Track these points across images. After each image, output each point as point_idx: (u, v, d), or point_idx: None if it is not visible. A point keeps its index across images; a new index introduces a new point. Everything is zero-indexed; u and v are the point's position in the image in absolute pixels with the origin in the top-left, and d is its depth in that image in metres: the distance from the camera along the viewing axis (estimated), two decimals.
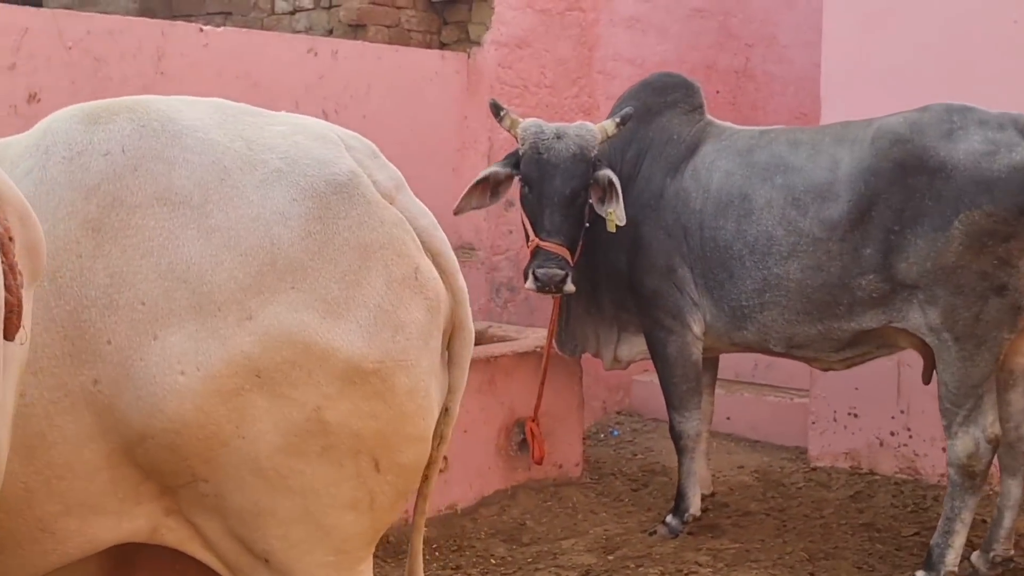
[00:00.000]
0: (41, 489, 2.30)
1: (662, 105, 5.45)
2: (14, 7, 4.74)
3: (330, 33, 6.46)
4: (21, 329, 1.77)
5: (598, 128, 5.18)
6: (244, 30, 5.60)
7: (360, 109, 6.00)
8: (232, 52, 5.43)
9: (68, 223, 2.27)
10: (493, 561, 5.11)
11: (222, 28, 5.48)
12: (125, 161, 2.32)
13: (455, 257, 2.61)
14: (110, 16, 5.09)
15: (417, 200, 2.59)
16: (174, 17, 6.99)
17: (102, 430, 2.29)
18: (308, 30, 6.56)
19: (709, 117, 5.49)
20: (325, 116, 5.83)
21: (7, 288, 1.73)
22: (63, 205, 2.28)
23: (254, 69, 5.53)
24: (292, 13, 6.66)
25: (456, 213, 5.26)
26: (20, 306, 1.76)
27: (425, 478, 2.69)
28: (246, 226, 2.31)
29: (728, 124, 5.49)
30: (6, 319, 1.73)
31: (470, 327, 2.62)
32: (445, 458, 2.69)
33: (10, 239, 1.79)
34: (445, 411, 2.63)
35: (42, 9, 4.84)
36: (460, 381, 2.63)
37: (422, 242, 2.53)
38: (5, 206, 1.82)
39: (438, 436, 2.64)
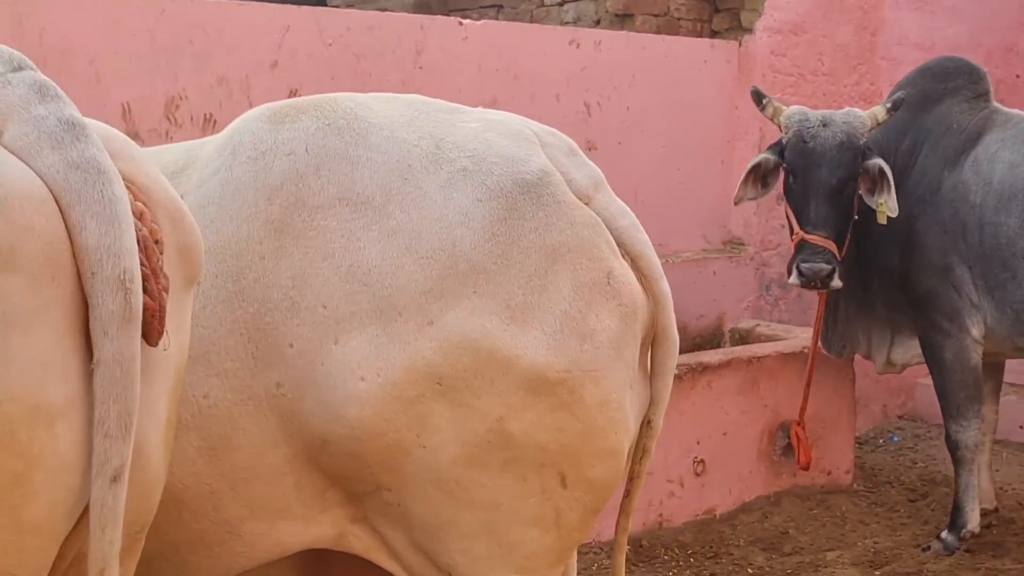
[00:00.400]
0: (226, 492, 2.28)
1: (942, 92, 5.09)
2: (276, 6, 4.84)
3: (597, 24, 6.36)
4: (164, 335, 1.73)
5: (867, 115, 4.88)
6: (504, 23, 5.56)
7: (624, 101, 5.86)
8: (492, 45, 5.40)
9: (252, 224, 2.25)
10: (751, 571, 4.90)
11: (482, 21, 5.45)
12: (308, 161, 2.27)
13: (658, 260, 2.45)
14: (369, 12, 5.14)
15: (617, 200, 2.44)
16: (448, 12, 7.04)
17: (286, 434, 2.26)
18: (576, 21, 6.48)
19: (995, 105, 5.09)
20: (587, 109, 5.74)
21: (148, 292, 1.70)
22: (247, 206, 2.26)
23: (515, 62, 5.48)
24: (560, 4, 6.60)
25: (736, 203, 5.10)
26: (162, 311, 1.72)
27: (627, 494, 2.55)
28: (428, 228, 2.23)
29: (1017, 112, 5.07)
30: (147, 324, 1.70)
31: (674, 335, 2.45)
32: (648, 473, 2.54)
33: (156, 242, 1.75)
34: (647, 423, 2.48)
35: (303, 7, 4.92)
36: (663, 392, 2.47)
37: (621, 244, 2.38)
38: (156, 208, 1.79)
39: (640, 450, 2.50)
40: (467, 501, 2.26)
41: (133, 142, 1.87)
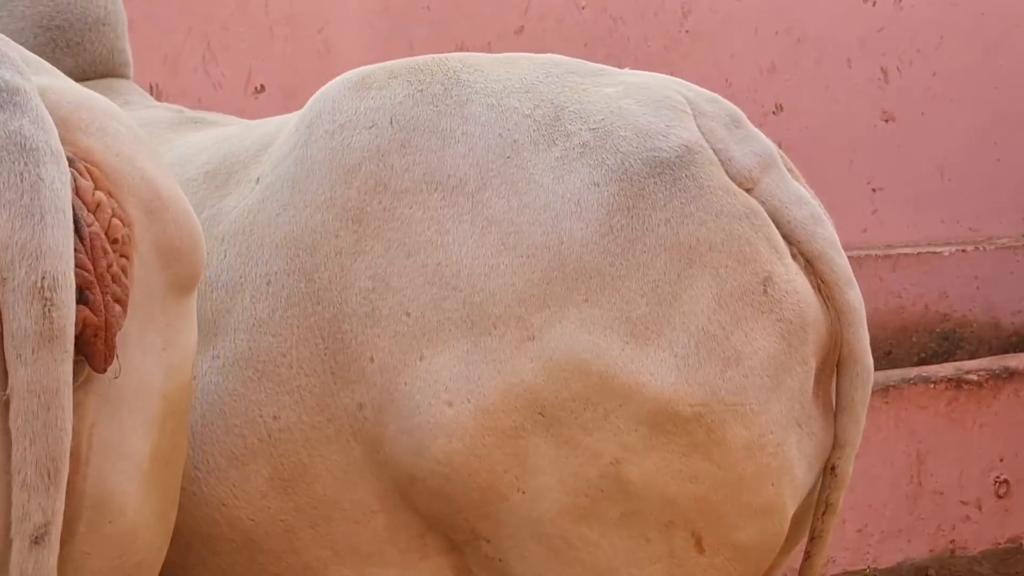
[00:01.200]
0: (305, 530, 1.93)
1: None
2: None
3: None
4: (115, 360, 1.38)
5: None
6: None
7: (929, 65, 5.17)
8: (771, 5, 4.84)
9: (327, 212, 1.87)
10: None
11: None
12: (392, 135, 1.87)
13: (845, 262, 1.91)
14: None
15: (795, 184, 1.92)
16: None
17: (373, 464, 1.88)
18: None
19: None
20: (884, 75, 5.08)
21: (89, 304, 1.35)
22: (323, 190, 1.88)
23: (797, 24, 4.90)
24: None
25: None
26: (109, 328, 1.36)
27: (807, 557, 2.02)
28: (530, 218, 1.79)
29: None
30: (88, 345, 1.35)
31: (865, 359, 1.91)
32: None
33: (115, 241, 1.40)
34: (831, 471, 1.95)
35: None
36: (852, 431, 1.93)
37: (794, 241, 1.87)
38: (124, 197, 1.44)
39: (823, 503, 1.97)
40: (575, 562, 1.81)
41: (122, 114, 1.53)
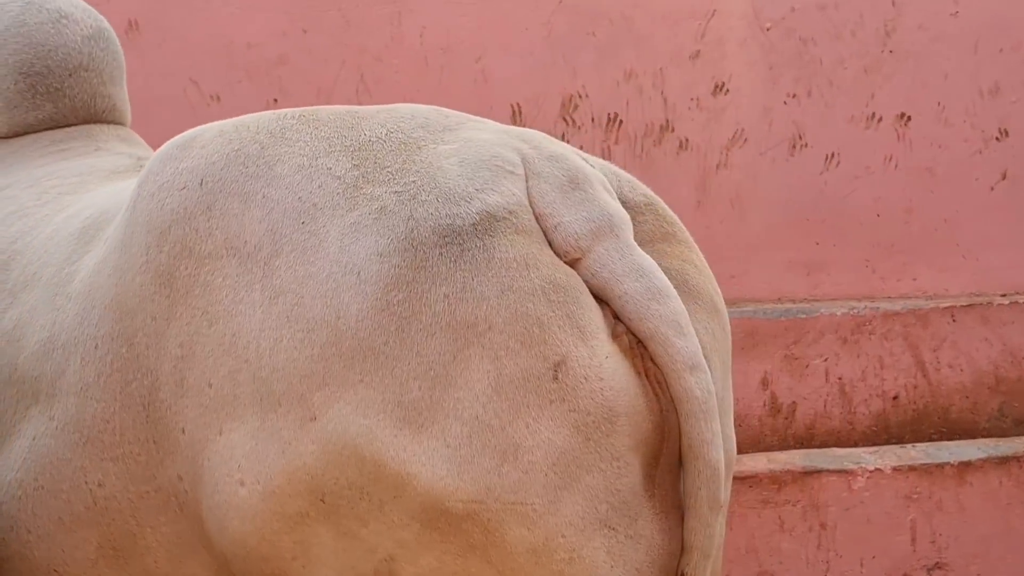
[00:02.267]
0: None
1: None
2: None
3: None
4: None
5: None
6: None
7: None
8: (994, 20, 4.36)
9: (144, 275, 1.82)
10: None
11: None
12: (200, 197, 1.79)
13: (691, 344, 1.67)
14: None
15: (637, 255, 1.69)
16: None
17: (201, 537, 1.82)
18: None
19: None
20: None
21: None
22: (140, 252, 1.83)
23: None
24: None
25: None
26: None
27: None
28: (313, 290, 1.67)
29: None
30: None
31: (709, 455, 1.67)
32: None
33: None
34: None
35: None
36: (699, 535, 1.69)
37: (625, 319, 1.65)
38: None
39: None
40: None
41: None
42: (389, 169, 1.72)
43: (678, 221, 1.86)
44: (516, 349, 1.60)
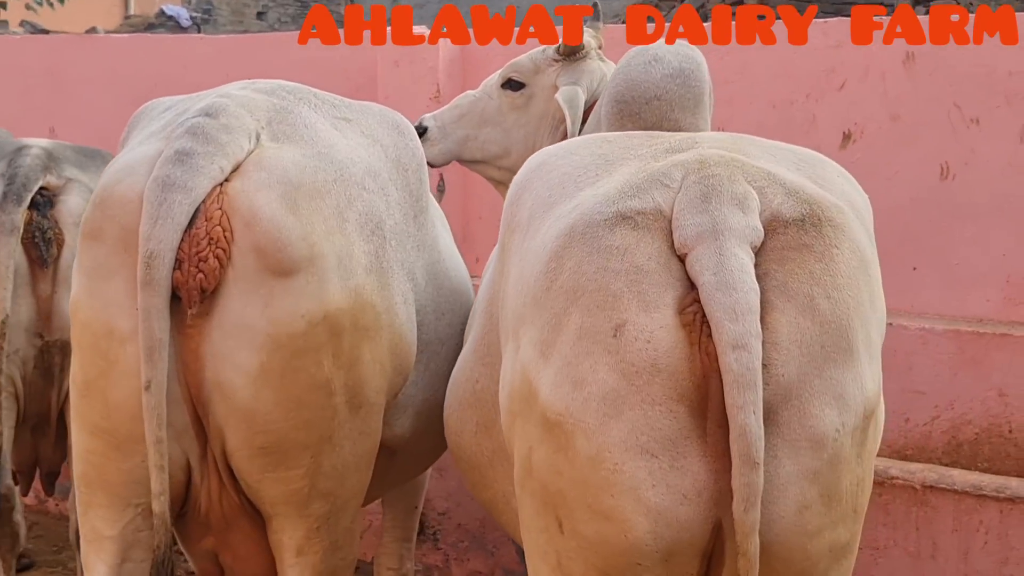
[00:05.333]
0: (498, 467, 2.73)
1: None
2: None
3: None
4: (196, 305, 2.56)
5: None
6: None
7: None
8: None
9: (499, 242, 2.64)
10: None
11: None
12: (516, 190, 2.56)
13: (742, 329, 2.04)
14: None
15: (731, 255, 2.09)
16: None
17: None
18: None
19: None
20: None
21: (179, 270, 2.53)
22: (501, 227, 2.64)
23: None
24: None
25: None
26: (188, 285, 2.54)
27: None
28: (530, 257, 2.35)
29: None
30: (179, 292, 2.55)
31: (740, 419, 2.01)
32: None
33: (214, 239, 2.55)
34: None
35: None
36: (738, 484, 2.03)
37: (702, 301, 2.08)
38: (233, 213, 2.57)
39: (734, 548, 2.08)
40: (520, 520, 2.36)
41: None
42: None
43: (832, 235, 2.15)
44: (594, 311, 2.14)
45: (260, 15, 15.62)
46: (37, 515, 5.39)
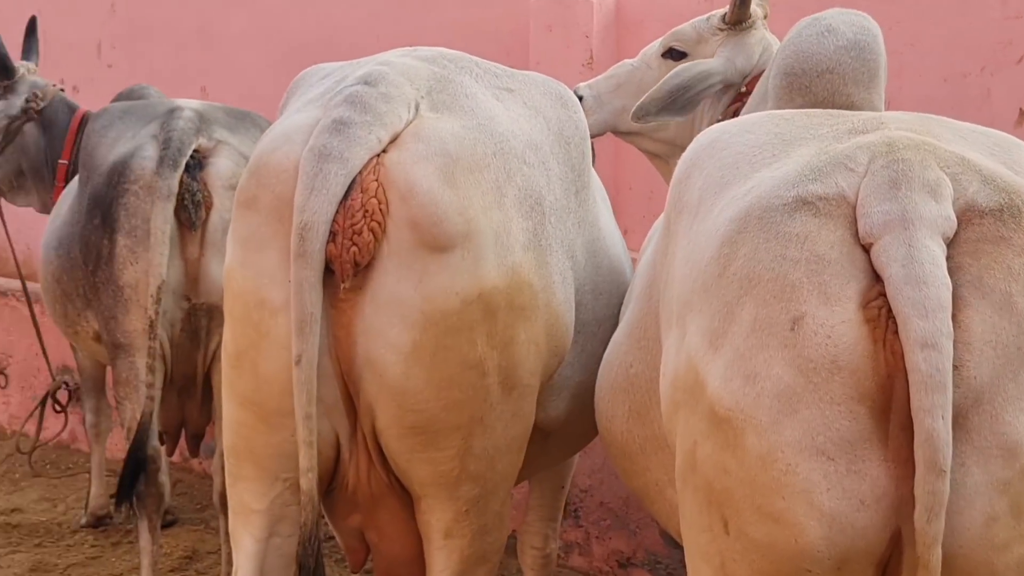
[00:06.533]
0: (651, 455, 2.61)
1: None
2: None
3: None
4: (349, 279, 2.49)
5: None
6: None
7: None
8: None
9: (663, 222, 2.51)
10: None
11: None
12: (685, 168, 2.42)
13: (932, 327, 1.89)
14: None
15: (921, 247, 1.94)
16: None
17: None
18: None
19: None
20: None
21: (333, 242, 2.47)
22: (667, 206, 2.52)
23: None
24: None
25: None
26: (341, 258, 2.47)
27: None
28: (699, 241, 2.23)
29: None
30: (332, 264, 2.48)
31: (926, 422, 1.87)
32: None
33: (368, 212, 2.48)
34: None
35: None
36: (921, 492, 1.89)
37: (888, 296, 1.94)
38: (390, 187, 2.49)
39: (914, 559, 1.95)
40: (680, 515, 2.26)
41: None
42: None
43: None
44: (771, 302, 2.00)
45: None
46: (181, 472, 5.45)
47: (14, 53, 4.98)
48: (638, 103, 3.41)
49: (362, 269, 2.49)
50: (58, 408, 5.35)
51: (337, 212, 2.47)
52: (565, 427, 2.96)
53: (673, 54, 3.70)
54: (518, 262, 2.59)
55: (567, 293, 2.76)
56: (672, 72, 3.47)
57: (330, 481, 2.68)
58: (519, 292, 2.59)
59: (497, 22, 5.30)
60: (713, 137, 2.39)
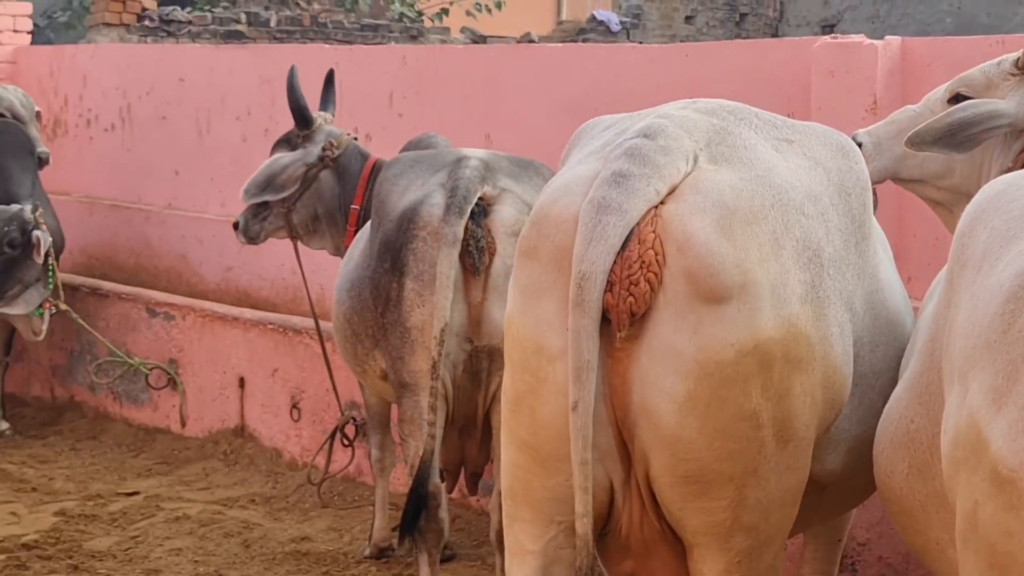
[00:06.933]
0: (931, 514, 2.55)
1: None
2: None
3: None
4: (625, 328, 2.54)
5: None
6: None
7: None
8: None
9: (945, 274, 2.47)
10: None
11: None
12: (969, 222, 2.38)
13: None
14: None
15: None
16: None
17: None
18: None
19: None
20: None
21: (610, 292, 2.53)
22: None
23: None
24: None
25: None
26: (618, 308, 2.52)
27: None
28: (985, 297, 2.19)
29: None
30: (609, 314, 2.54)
31: None
32: None
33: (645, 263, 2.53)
34: None
35: None
36: None
37: None
38: (667, 239, 2.54)
39: None
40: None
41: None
42: None
43: None
44: None
45: (688, 19, 15.64)
46: (460, 509, 5.60)
47: (313, 104, 5.26)
48: (915, 129, 3.33)
49: (638, 319, 2.54)
50: (346, 442, 5.58)
51: (615, 263, 2.53)
52: (842, 480, 2.92)
53: (959, 100, 3.60)
54: (795, 314, 2.58)
55: (845, 345, 2.73)
56: (959, 106, 3.36)
57: (603, 526, 2.72)
58: (796, 344, 2.58)
59: (778, 68, 5.26)
60: (1000, 189, 2.34)
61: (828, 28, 15.08)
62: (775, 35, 15.89)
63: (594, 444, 2.56)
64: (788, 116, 3.04)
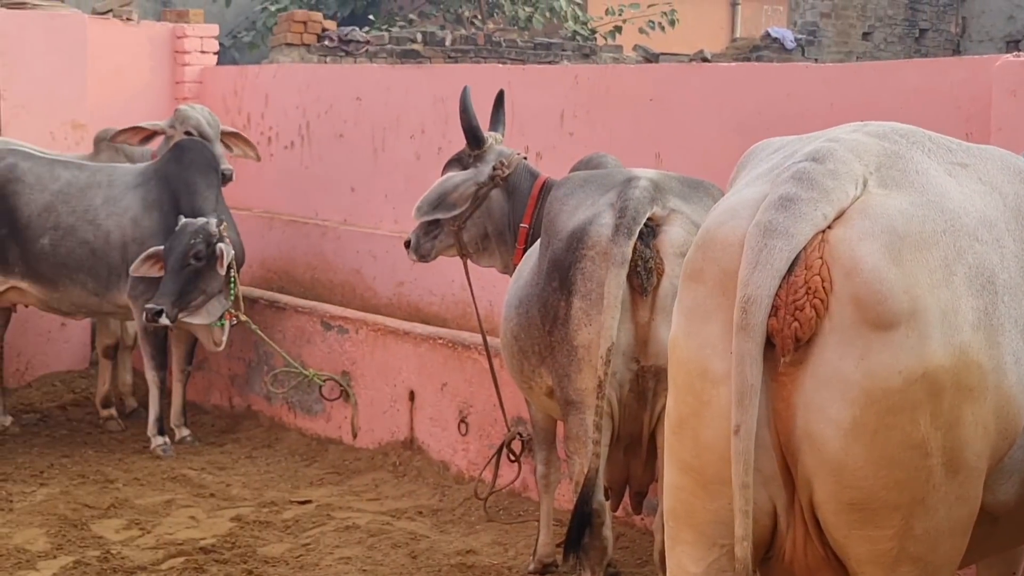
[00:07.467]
0: None
1: None
2: None
3: None
4: (790, 353, 2.53)
5: None
6: None
7: None
8: None
9: None
10: None
11: None
12: None
13: None
14: None
15: None
16: None
17: None
18: None
19: None
20: None
21: (775, 317, 2.52)
22: None
23: None
24: None
25: None
26: (783, 333, 2.51)
27: None
28: None
29: None
30: (773, 338, 2.53)
31: None
32: None
33: (811, 289, 2.52)
34: None
35: None
36: None
37: None
38: (834, 264, 2.52)
39: None
40: None
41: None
42: None
43: None
44: None
45: (866, 35, 15.37)
46: (624, 527, 5.60)
47: (484, 124, 5.33)
48: None
49: (803, 344, 2.53)
50: (512, 457, 5.63)
51: (780, 287, 2.52)
52: (1016, 512, 2.84)
53: None
54: (966, 341, 2.53)
55: (1020, 374, 2.67)
56: None
57: (767, 550, 2.71)
58: (967, 372, 2.53)
59: (956, 88, 5.15)
60: None
61: (1013, 44, 14.66)
62: (956, 51, 15.51)
63: (757, 468, 2.55)
64: (966, 137, 2.99)
